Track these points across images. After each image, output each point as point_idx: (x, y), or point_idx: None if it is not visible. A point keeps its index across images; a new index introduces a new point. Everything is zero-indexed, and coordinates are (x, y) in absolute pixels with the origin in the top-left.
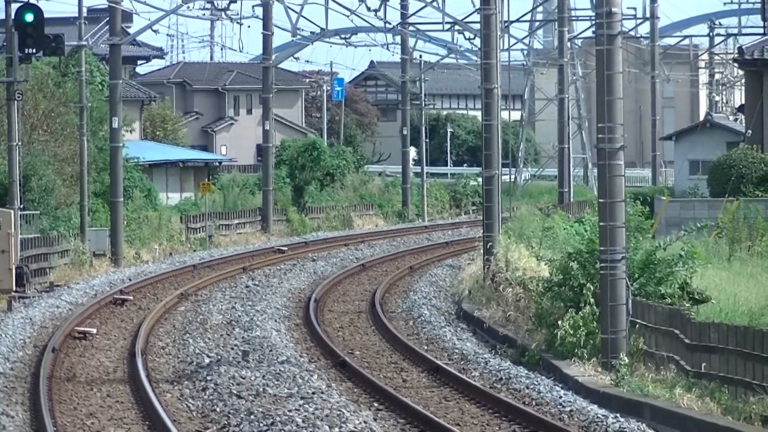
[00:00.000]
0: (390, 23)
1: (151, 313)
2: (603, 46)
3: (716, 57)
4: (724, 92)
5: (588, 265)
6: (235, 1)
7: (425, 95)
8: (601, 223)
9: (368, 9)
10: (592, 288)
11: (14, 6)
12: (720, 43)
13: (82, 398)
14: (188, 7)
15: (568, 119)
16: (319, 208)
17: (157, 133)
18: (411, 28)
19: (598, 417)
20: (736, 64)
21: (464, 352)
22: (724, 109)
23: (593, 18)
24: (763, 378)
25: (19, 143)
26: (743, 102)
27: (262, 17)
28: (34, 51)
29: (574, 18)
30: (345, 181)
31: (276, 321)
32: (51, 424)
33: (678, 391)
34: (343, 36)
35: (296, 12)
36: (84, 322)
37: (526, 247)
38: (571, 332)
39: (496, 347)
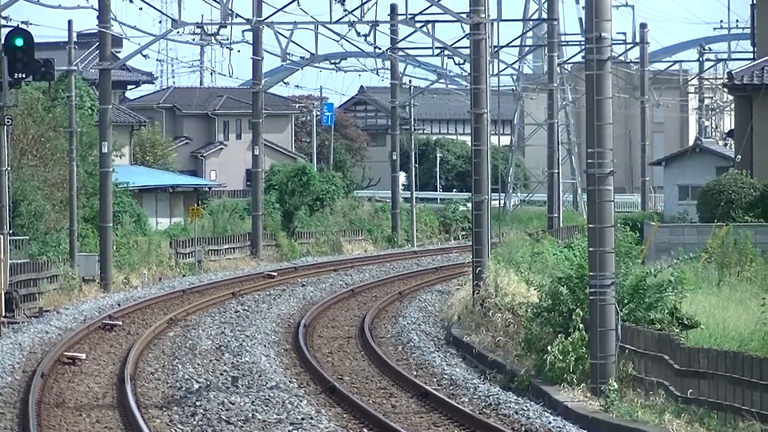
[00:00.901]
0: (379, 48)
1: (141, 338)
2: (593, 71)
3: (706, 82)
4: (714, 117)
5: (577, 290)
6: (225, 26)
7: (415, 120)
8: (590, 249)
9: (358, 34)
10: (581, 313)
11: (4, 30)
12: (710, 68)
13: (71, 424)
14: (178, 33)
15: (558, 144)
16: (309, 233)
17: (147, 157)
18: (400, 53)
19: None
20: (725, 89)
21: (453, 377)
22: (713, 134)
23: (583, 43)
24: (752, 403)
25: (9, 168)
26: (733, 127)
27: (251, 42)
28: (23, 75)
29: (563, 43)
30: (334, 206)
31: (265, 346)
32: None
33: (667, 416)
34: (332, 61)
35: (286, 37)
36: (73, 347)
37: (516, 272)
38: (561, 357)
39: (485, 372)
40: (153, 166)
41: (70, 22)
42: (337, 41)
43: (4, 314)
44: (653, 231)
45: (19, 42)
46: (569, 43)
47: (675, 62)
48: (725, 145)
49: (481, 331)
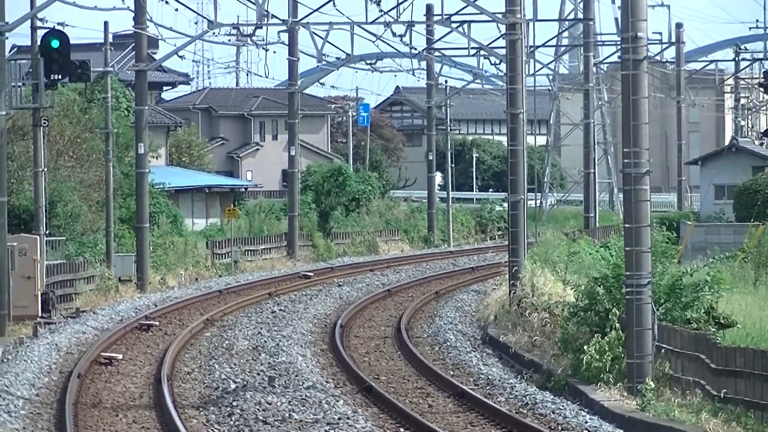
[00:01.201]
0: (415, 49)
1: (177, 338)
2: (628, 70)
3: (742, 81)
4: (750, 117)
5: (614, 290)
6: (261, 27)
7: (450, 120)
8: (626, 248)
9: (393, 34)
10: (617, 313)
11: (40, 32)
12: (746, 67)
13: (108, 424)
14: (214, 33)
15: (594, 144)
16: (345, 233)
17: (183, 158)
18: (436, 53)
19: None
20: (761, 89)
21: (490, 377)
22: (749, 133)
23: (619, 43)
24: None
25: (45, 169)
26: None
27: (287, 43)
28: (59, 77)
29: (599, 43)
30: (370, 206)
31: (302, 346)
32: None
33: (704, 415)
34: (368, 61)
35: (321, 38)
36: (110, 347)
37: (552, 272)
38: (597, 357)
39: (521, 372)
40: (189, 166)
41: (106, 24)
42: (373, 42)
43: (40, 315)
44: (689, 230)
45: (55, 43)
46: (605, 43)
47: (711, 62)
48: (761, 144)
49: (518, 331)
